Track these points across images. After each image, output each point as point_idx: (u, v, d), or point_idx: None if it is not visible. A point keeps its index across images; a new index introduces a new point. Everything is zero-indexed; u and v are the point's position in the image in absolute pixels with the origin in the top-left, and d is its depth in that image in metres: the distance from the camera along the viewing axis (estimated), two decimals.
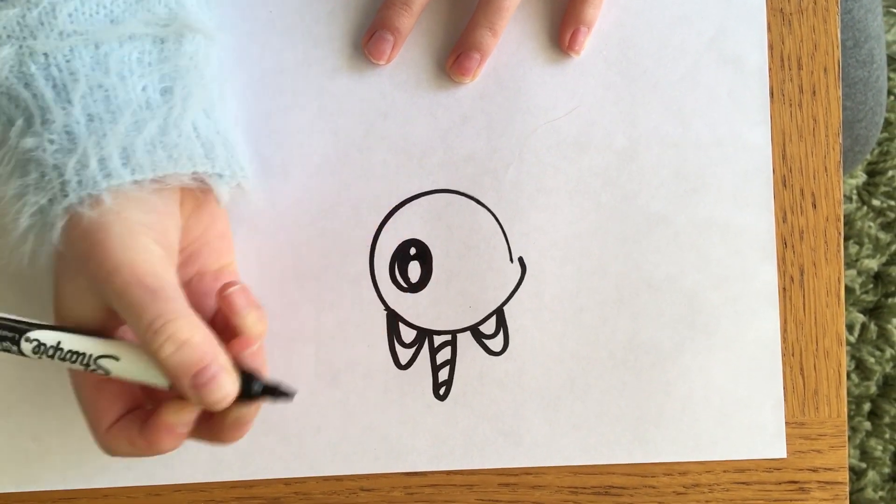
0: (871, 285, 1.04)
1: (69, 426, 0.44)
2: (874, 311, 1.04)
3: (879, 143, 1.02)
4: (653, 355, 0.45)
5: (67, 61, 0.36)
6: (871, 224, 1.03)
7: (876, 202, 1.03)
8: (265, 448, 0.44)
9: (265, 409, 0.44)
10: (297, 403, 0.44)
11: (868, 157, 1.01)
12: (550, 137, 0.45)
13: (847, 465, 0.46)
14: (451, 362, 0.45)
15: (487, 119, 0.45)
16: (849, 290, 1.01)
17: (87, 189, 0.35)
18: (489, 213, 0.45)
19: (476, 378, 0.45)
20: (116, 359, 0.35)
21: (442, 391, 0.45)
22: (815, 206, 0.45)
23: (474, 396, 0.45)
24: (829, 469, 0.45)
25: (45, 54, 0.36)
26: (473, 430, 0.45)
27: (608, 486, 0.45)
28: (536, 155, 0.45)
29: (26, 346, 0.35)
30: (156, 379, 0.35)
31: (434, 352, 0.45)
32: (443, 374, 0.45)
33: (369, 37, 0.44)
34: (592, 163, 0.45)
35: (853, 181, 1.03)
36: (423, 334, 0.45)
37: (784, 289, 0.45)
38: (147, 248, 0.35)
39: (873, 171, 1.04)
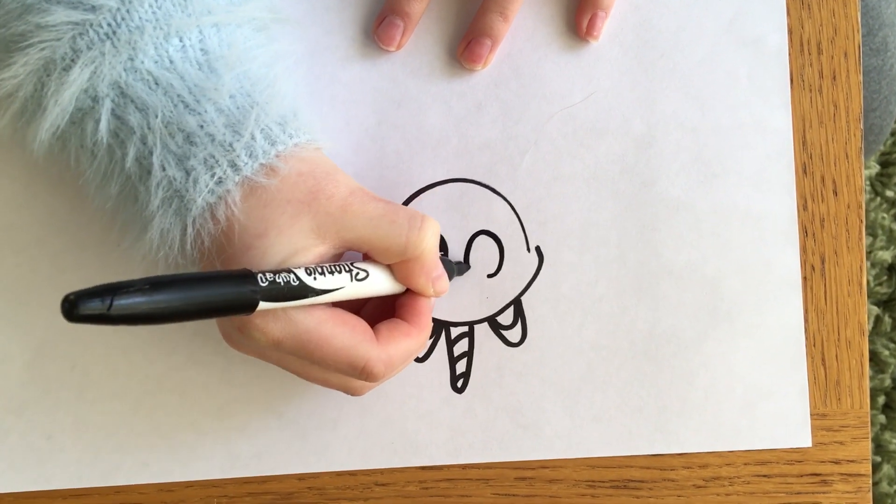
0: (885, 277, 1.03)
1: (82, 424, 0.44)
2: (888, 304, 1.03)
3: (893, 133, 1.01)
4: (674, 344, 0.44)
5: (200, 41, 0.37)
6: (885, 215, 1.02)
7: (890, 193, 1.02)
8: (281, 443, 0.44)
9: (280, 405, 0.44)
10: (313, 398, 0.44)
11: (882, 147, 1.00)
12: (567, 124, 0.44)
13: (870, 457, 0.45)
14: (469, 354, 0.44)
15: (502, 106, 0.44)
16: None
17: (259, 159, 0.36)
18: (505, 202, 0.44)
19: (494, 370, 0.44)
20: (367, 273, 0.38)
21: (459, 383, 0.44)
22: (835, 193, 0.44)
23: (492, 388, 0.44)
24: (852, 461, 0.45)
25: (180, 38, 0.37)
26: (492, 423, 0.44)
27: (627, 479, 0.44)
28: (553, 142, 0.44)
29: (318, 283, 0.36)
30: (393, 287, 0.40)
31: (451, 343, 0.44)
32: (460, 367, 0.44)
33: (379, 22, 0.43)
34: (610, 149, 0.44)
35: (866, 172, 1.02)
36: (440, 326, 0.44)
37: (805, 278, 0.44)
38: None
39: (887, 162, 1.03)
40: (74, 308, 0.28)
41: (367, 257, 0.39)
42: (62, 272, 0.43)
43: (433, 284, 0.39)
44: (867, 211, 1.03)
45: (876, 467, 1.02)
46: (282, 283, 0.34)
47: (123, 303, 0.29)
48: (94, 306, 0.29)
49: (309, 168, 0.37)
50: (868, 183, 1.03)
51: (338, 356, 0.36)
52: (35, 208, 0.43)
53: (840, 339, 0.44)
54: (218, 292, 0.32)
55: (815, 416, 0.44)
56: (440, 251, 0.43)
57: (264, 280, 0.34)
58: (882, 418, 1.02)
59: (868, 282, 1.02)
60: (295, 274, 0.35)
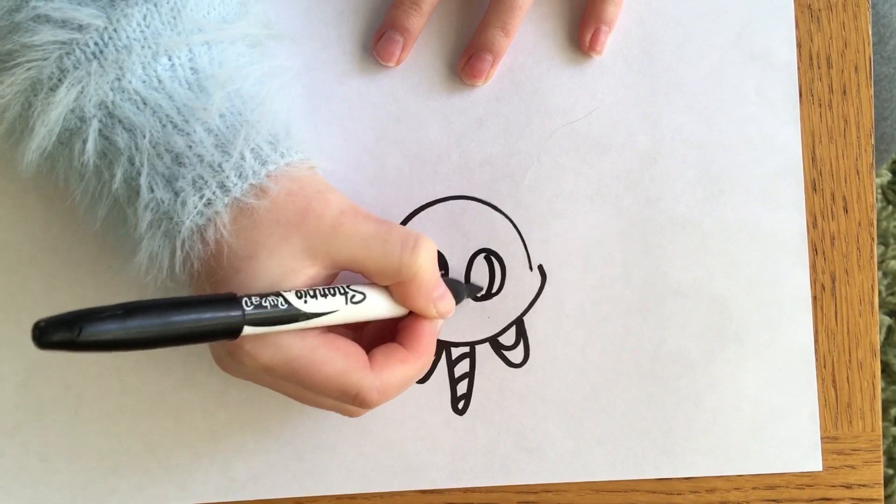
0: None
1: (77, 446, 0.43)
2: None
3: None
4: (680, 365, 0.43)
5: (190, 59, 0.37)
6: None
7: None
8: (278, 466, 0.43)
9: (277, 427, 0.43)
10: (311, 420, 0.43)
11: (894, 155, 0.98)
12: (570, 140, 0.43)
13: (882, 481, 0.44)
14: (470, 375, 0.43)
15: (504, 122, 0.43)
16: None
17: (249, 180, 0.35)
18: (507, 220, 0.43)
19: (496, 391, 0.43)
20: (364, 296, 0.37)
21: (461, 405, 0.43)
22: (846, 210, 0.43)
23: (494, 410, 0.43)
24: (864, 485, 0.44)
25: (169, 56, 0.36)
26: (494, 446, 0.43)
27: (632, 503, 0.43)
28: (555, 158, 0.43)
29: (309, 306, 0.35)
30: (393, 310, 0.38)
31: (452, 364, 0.43)
32: (461, 388, 0.43)
33: (378, 38, 0.43)
34: (614, 166, 0.43)
35: (878, 180, 1.01)
36: (441, 346, 0.43)
37: (815, 297, 0.43)
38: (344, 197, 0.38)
39: None
40: (44, 335, 0.28)
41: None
42: (56, 291, 0.43)
43: (435, 305, 0.38)
44: (879, 220, 1.01)
45: (889, 480, 1.00)
46: (268, 307, 0.33)
47: (94, 329, 0.29)
48: (63, 334, 0.28)
49: (299, 187, 0.36)
50: (880, 191, 1.02)
51: (329, 383, 0.36)
52: (28, 227, 0.43)
53: (851, 361, 0.43)
54: (198, 318, 0.31)
55: (825, 439, 0.43)
56: (441, 270, 0.42)
57: (249, 304, 0.33)
58: (895, 430, 1.01)
59: (880, 292, 1.01)
60: (284, 297, 0.34)
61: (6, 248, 0.43)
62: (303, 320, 0.34)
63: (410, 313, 0.39)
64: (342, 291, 0.36)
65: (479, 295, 0.43)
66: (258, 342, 0.35)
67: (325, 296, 0.35)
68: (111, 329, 0.29)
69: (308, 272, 0.36)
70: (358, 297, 0.37)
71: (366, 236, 0.36)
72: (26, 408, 0.43)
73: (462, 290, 0.42)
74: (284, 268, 0.35)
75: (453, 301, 0.39)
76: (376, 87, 0.43)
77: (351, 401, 0.36)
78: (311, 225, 0.36)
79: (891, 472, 1.00)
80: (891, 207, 1.02)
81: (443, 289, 0.39)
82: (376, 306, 0.38)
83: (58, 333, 0.28)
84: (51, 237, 0.43)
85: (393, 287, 0.38)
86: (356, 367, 0.36)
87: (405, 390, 0.39)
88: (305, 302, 0.35)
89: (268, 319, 0.33)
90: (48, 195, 0.43)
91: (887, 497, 1.01)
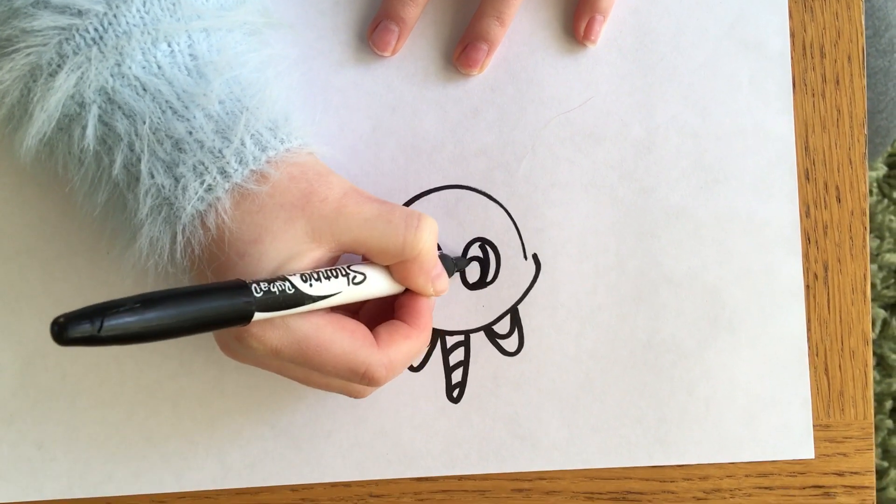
0: (892, 280, 1.02)
1: (74, 434, 0.43)
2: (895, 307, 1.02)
3: None
4: (674, 354, 0.43)
5: (189, 46, 0.37)
6: (893, 217, 1.01)
7: None
8: (274, 454, 0.43)
9: (273, 415, 0.43)
10: (307, 408, 0.43)
11: (889, 148, 0.99)
12: (564, 130, 0.43)
13: (874, 469, 0.44)
14: (465, 363, 0.43)
15: (499, 112, 0.43)
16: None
17: (249, 166, 0.36)
18: (502, 209, 0.43)
19: (490, 379, 0.43)
20: (364, 276, 0.38)
21: (455, 393, 0.43)
22: (839, 199, 0.44)
23: (489, 398, 0.43)
24: (856, 473, 0.44)
25: (168, 43, 0.36)
26: (488, 434, 0.43)
27: (626, 491, 0.44)
28: (550, 148, 0.43)
29: (314, 289, 0.35)
30: (392, 288, 0.39)
31: (447, 353, 0.44)
32: (456, 376, 0.43)
33: (374, 27, 0.43)
34: (608, 155, 0.43)
35: (873, 173, 1.01)
36: (436, 335, 0.43)
37: (808, 286, 0.43)
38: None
39: (894, 164, 1.02)
40: (64, 331, 0.28)
41: (365, 258, 0.39)
42: (53, 280, 0.43)
43: (433, 284, 0.39)
44: (875, 213, 1.01)
45: (883, 473, 1.01)
46: (277, 292, 0.34)
47: (114, 323, 0.29)
48: (84, 329, 0.28)
49: (301, 171, 0.37)
50: (875, 185, 1.02)
51: (338, 362, 0.36)
52: (26, 215, 0.43)
53: (843, 349, 0.44)
54: (212, 306, 0.32)
55: (817, 427, 0.44)
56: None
57: (259, 290, 0.33)
58: (889, 423, 1.01)
59: (875, 285, 1.01)
60: (290, 282, 0.34)
61: (3, 236, 0.43)
62: (309, 303, 0.35)
63: (407, 290, 0.39)
64: (344, 273, 0.37)
65: (473, 283, 0.43)
66: (266, 325, 0.35)
67: (328, 278, 0.36)
68: (130, 322, 0.29)
69: (313, 255, 0.36)
70: (359, 277, 0.37)
71: (369, 217, 0.37)
72: (23, 396, 0.43)
73: (451, 266, 0.42)
74: (290, 251, 0.36)
75: (448, 280, 0.40)
76: (372, 76, 0.43)
77: (359, 379, 0.37)
78: (315, 207, 0.36)
79: (885, 464, 1.01)
80: (886, 201, 1.02)
81: (440, 268, 0.39)
82: (376, 285, 0.38)
83: (79, 328, 0.28)
84: (48, 225, 0.43)
85: (393, 266, 0.38)
86: (363, 345, 0.36)
87: (408, 366, 0.40)
88: (311, 285, 0.35)
89: (276, 304, 0.34)
90: (45, 183, 0.43)
91: (882, 489, 1.01)
